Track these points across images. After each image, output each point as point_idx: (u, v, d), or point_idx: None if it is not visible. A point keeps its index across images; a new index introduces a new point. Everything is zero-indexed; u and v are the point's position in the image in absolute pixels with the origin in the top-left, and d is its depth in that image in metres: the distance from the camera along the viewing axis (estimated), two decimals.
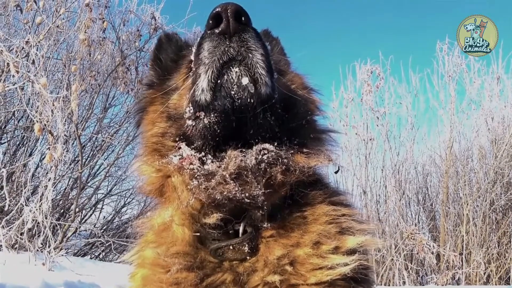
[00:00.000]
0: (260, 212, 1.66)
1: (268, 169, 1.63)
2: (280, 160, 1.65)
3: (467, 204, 10.86)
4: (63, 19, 8.24)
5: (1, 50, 6.32)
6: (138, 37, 10.04)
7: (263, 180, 1.62)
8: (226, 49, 1.56)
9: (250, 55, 1.56)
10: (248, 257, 1.66)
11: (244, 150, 1.64)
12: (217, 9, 1.55)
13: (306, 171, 1.70)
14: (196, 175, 1.63)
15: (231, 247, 1.65)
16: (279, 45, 2.32)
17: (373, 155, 12.15)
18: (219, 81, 1.57)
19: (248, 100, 1.57)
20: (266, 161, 1.62)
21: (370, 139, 12.11)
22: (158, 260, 1.74)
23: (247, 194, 1.60)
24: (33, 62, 6.88)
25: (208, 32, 1.60)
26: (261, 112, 1.62)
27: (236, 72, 1.56)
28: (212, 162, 1.64)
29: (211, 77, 1.57)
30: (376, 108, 12.17)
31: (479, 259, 10.32)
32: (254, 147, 1.64)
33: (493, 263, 10.47)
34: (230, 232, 1.68)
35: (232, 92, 1.57)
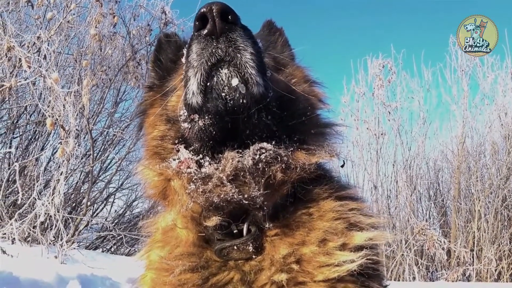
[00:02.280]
0: (261, 212, 1.65)
1: (266, 169, 1.61)
2: (279, 159, 1.62)
3: (479, 200, 10.76)
4: (73, 14, 8.27)
5: (13, 46, 6.37)
6: (148, 32, 10.05)
7: (262, 181, 1.60)
8: (214, 50, 1.53)
9: (239, 55, 1.52)
10: (254, 256, 1.65)
11: (241, 150, 1.62)
12: (203, 10, 1.51)
13: (307, 168, 1.68)
14: (193, 179, 1.62)
15: (235, 247, 1.65)
16: (282, 36, 2.25)
17: (384, 150, 12.11)
18: (208, 83, 1.55)
19: (241, 101, 1.54)
20: (264, 160, 1.60)
21: (382, 134, 12.04)
22: (162, 264, 1.75)
23: (245, 196, 1.59)
24: (45, 57, 6.94)
25: (196, 33, 1.57)
26: (256, 112, 1.59)
27: (226, 73, 1.53)
28: (210, 164, 1.62)
29: (200, 80, 1.55)
30: (388, 103, 12.09)
31: (490, 255, 10.23)
32: (251, 147, 1.61)
33: (505, 260, 10.37)
34: (234, 232, 1.68)
35: (223, 94, 1.54)
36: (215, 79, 1.54)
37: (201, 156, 1.65)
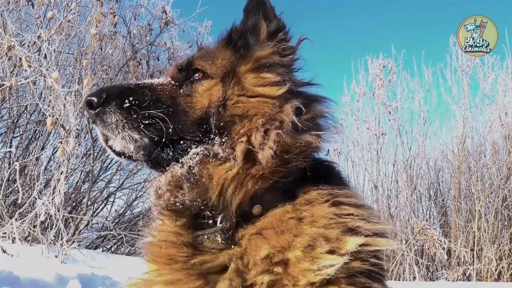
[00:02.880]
0: (220, 213, 1.72)
1: (204, 171, 1.69)
2: (212, 155, 1.70)
3: (479, 200, 10.77)
4: (74, 13, 8.28)
5: (13, 45, 6.38)
6: (149, 31, 10.07)
7: (206, 182, 1.68)
8: (99, 132, 1.84)
9: (110, 132, 1.76)
10: (232, 247, 1.70)
11: (179, 161, 1.76)
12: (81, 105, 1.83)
13: (264, 165, 1.68)
14: (152, 193, 1.82)
15: (205, 236, 1.73)
16: (264, 11, 1.98)
17: (385, 150, 12.13)
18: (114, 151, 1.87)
19: (142, 152, 1.78)
20: (198, 163, 1.70)
21: (382, 134, 12.06)
22: (153, 239, 1.90)
23: (186, 201, 1.71)
24: (45, 57, 6.94)
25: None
26: (163, 149, 1.76)
27: (111, 145, 1.81)
28: (161, 177, 1.79)
29: (110, 149, 1.85)
30: (388, 103, 12.11)
31: (490, 255, 10.24)
32: (185, 156, 1.74)
33: (505, 259, 10.38)
34: (209, 222, 1.75)
35: (125, 155, 1.83)
36: (113, 148, 1.83)
37: (160, 173, 1.83)
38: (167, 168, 1.75)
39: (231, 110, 1.79)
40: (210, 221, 1.75)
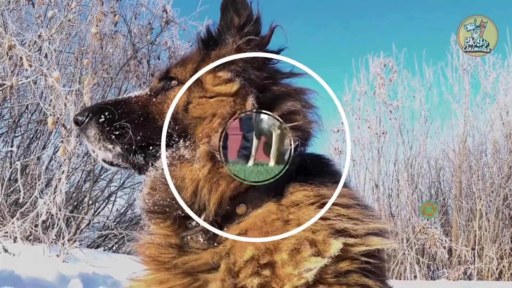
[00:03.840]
0: (202, 214, 1.75)
1: (175, 173, 1.76)
2: (181, 158, 1.77)
3: (480, 199, 10.76)
4: (74, 13, 8.28)
5: (14, 44, 6.37)
6: (149, 31, 10.06)
7: (175, 184, 1.76)
8: (87, 145, 2.02)
9: (91, 144, 1.94)
10: (215, 245, 1.71)
11: (153, 165, 1.88)
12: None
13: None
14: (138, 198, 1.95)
15: (189, 237, 1.78)
16: (235, 1, 1.93)
17: (386, 149, 12.09)
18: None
19: (120, 159, 1.94)
20: (169, 166, 1.79)
21: (383, 133, 12.03)
22: (141, 241, 1.98)
23: (160, 201, 1.79)
24: (46, 56, 6.94)
25: None
26: (134, 155, 1.90)
27: (98, 154, 1.97)
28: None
29: (99, 160, 2.05)
30: (389, 102, 12.07)
31: (491, 254, 10.23)
32: (157, 160, 1.86)
33: (506, 258, 10.36)
34: (193, 223, 1.80)
35: (108, 163, 2.00)
36: (99, 157, 2.01)
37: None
38: (147, 173, 1.86)
39: (191, 113, 1.85)
40: (194, 222, 1.78)
